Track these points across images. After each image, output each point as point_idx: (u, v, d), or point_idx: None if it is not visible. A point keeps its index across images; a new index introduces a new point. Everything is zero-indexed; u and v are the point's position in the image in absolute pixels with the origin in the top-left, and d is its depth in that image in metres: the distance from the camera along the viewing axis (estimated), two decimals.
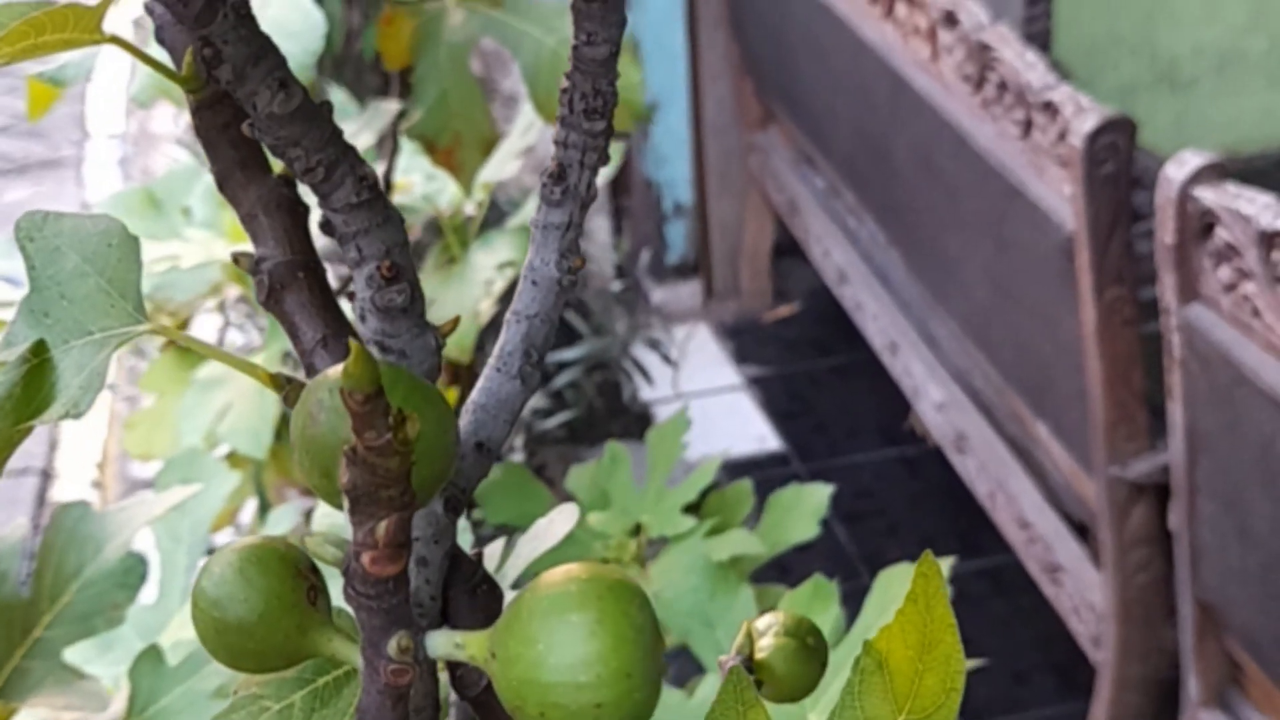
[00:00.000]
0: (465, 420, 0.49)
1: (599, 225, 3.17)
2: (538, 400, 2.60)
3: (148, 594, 1.49)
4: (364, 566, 0.38)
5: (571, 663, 0.39)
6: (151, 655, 0.99)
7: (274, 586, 0.43)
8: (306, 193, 0.50)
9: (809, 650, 0.68)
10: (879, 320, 2.82)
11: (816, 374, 3.31)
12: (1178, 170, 1.79)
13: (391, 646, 0.39)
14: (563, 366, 2.64)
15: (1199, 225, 1.79)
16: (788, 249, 3.35)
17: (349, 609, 0.45)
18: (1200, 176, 1.77)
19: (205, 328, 2.07)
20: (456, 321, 0.47)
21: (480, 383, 0.49)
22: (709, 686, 1.38)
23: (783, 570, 2.48)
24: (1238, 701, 2.04)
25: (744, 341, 3.39)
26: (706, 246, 3.36)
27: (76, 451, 3.11)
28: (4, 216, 3.98)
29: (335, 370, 0.42)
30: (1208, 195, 1.77)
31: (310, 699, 0.46)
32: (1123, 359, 2.08)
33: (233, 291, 2.04)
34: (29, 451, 3.25)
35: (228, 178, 0.50)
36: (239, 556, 0.43)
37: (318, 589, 0.44)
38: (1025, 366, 2.36)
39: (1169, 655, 2.20)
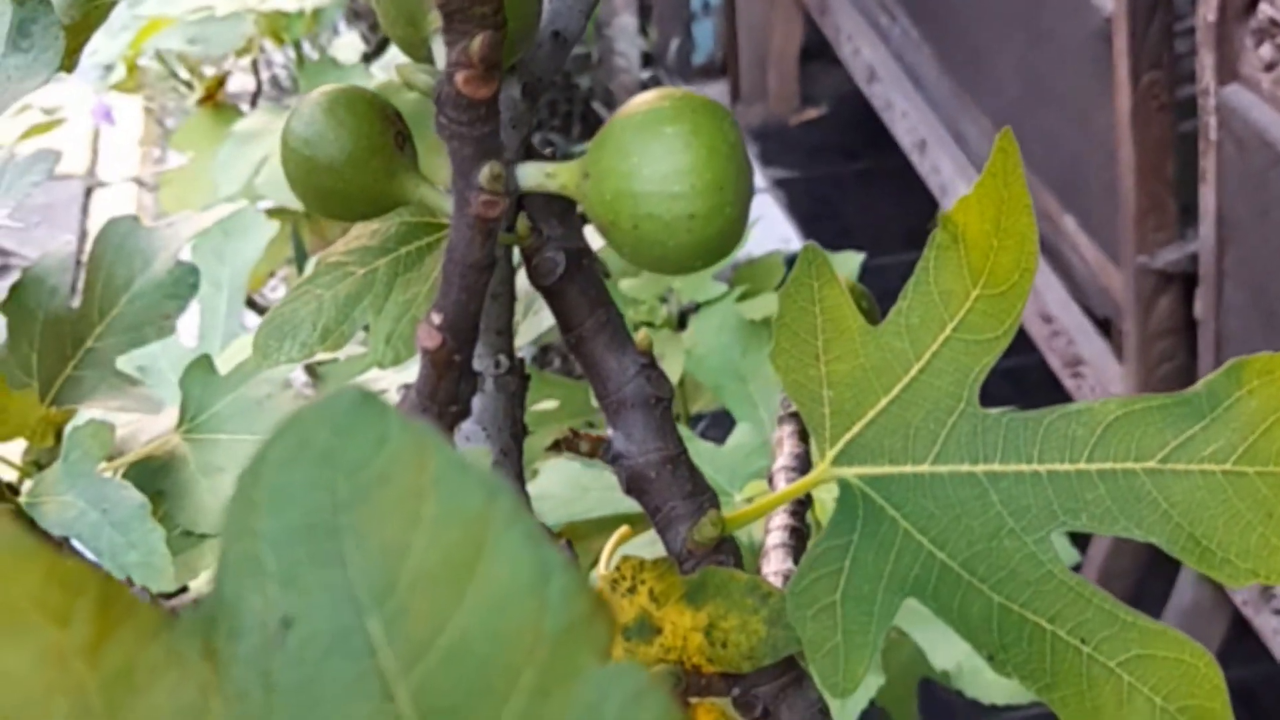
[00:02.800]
0: (544, 10, 0.49)
1: (626, 21, 3.13)
2: None
3: (190, 339, 1.50)
4: (457, 87, 0.38)
5: (665, 173, 0.40)
6: (202, 364, 1.00)
7: (362, 127, 0.43)
8: None
9: (864, 313, 0.69)
10: (908, 118, 2.80)
11: (842, 177, 3.29)
12: None
13: (483, 175, 0.40)
14: None
15: (1242, 1, 1.77)
16: (816, 52, 3.31)
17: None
18: None
19: (240, 87, 2.06)
20: None
21: None
22: (741, 433, 1.39)
23: None
24: None
25: (770, 144, 3.37)
26: (734, 47, 3.32)
27: None
28: None
29: None
30: None
31: (394, 265, 0.47)
32: (1156, 146, 2.06)
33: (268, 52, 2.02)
34: (64, 242, 3.25)
35: None
36: (328, 98, 0.43)
37: (405, 136, 0.44)
38: (1056, 159, 2.35)
39: None
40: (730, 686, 0.49)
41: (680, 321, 1.76)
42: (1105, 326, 2.35)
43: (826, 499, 0.79)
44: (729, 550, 0.49)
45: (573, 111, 2.53)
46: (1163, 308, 2.19)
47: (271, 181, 1.51)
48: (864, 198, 3.23)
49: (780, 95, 3.38)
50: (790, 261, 2.07)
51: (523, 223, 0.47)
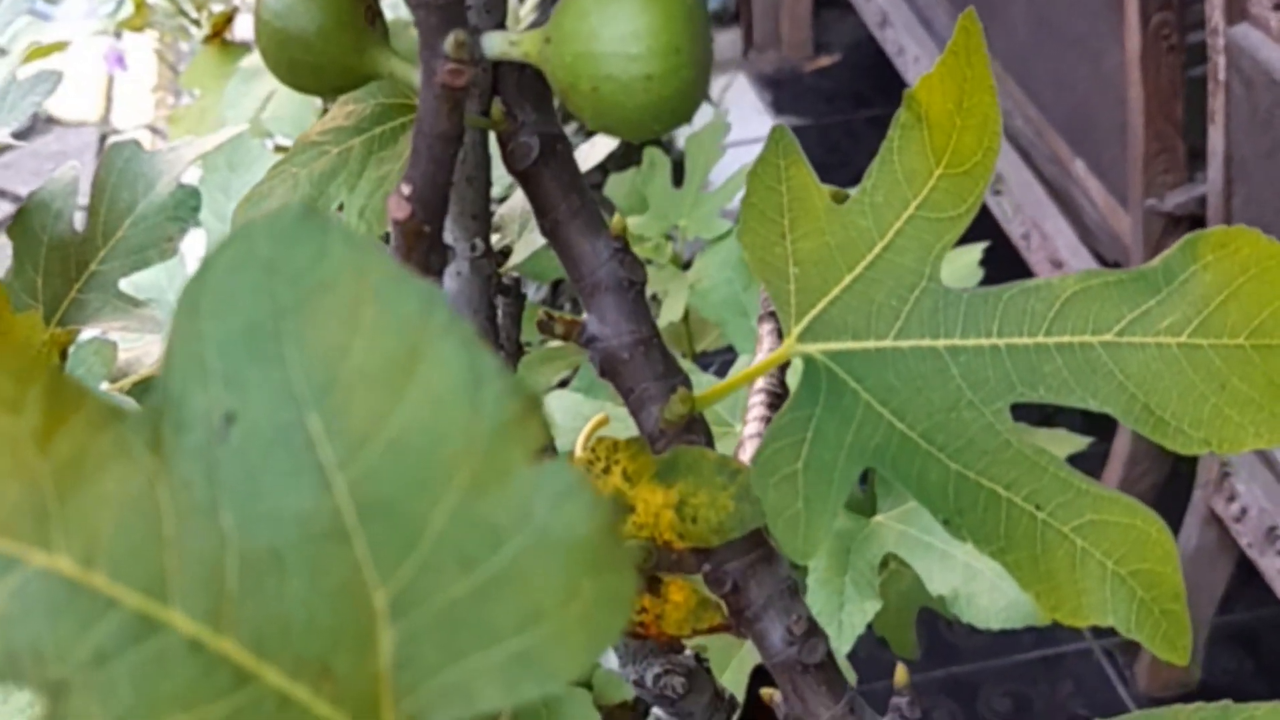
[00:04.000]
0: None
1: None
2: (577, 141, 2.60)
3: (193, 268, 1.52)
4: None
5: (623, 34, 0.41)
6: None
7: (333, 2, 0.44)
8: None
9: None
10: (920, 64, 2.79)
11: (854, 125, 3.29)
12: None
13: (448, 44, 0.41)
14: None
15: None
16: None
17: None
18: None
19: (247, 28, 2.06)
20: None
21: None
22: (743, 365, 1.40)
23: None
24: None
25: (782, 92, 3.36)
26: None
27: None
28: None
29: None
30: None
31: (368, 144, 0.48)
32: (1165, 87, 2.06)
33: None
34: (69, 166, 3.27)
35: None
36: None
37: (376, 12, 0.45)
38: (1066, 102, 2.34)
39: None
40: (701, 563, 0.50)
41: (686, 263, 1.77)
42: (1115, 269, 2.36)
43: None
44: (699, 430, 0.50)
45: (502, 28, 2.51)
46: None
47: (278, 117, 1.52)
48: (877, 145, 3.22)
49: (793, 43, 3.37)
50: None
51: (497, 107, 0.48)
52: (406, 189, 0.42)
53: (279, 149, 1.63)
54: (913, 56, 2.79)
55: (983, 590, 1.20)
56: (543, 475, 0.25)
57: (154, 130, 3.25)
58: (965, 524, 0.46)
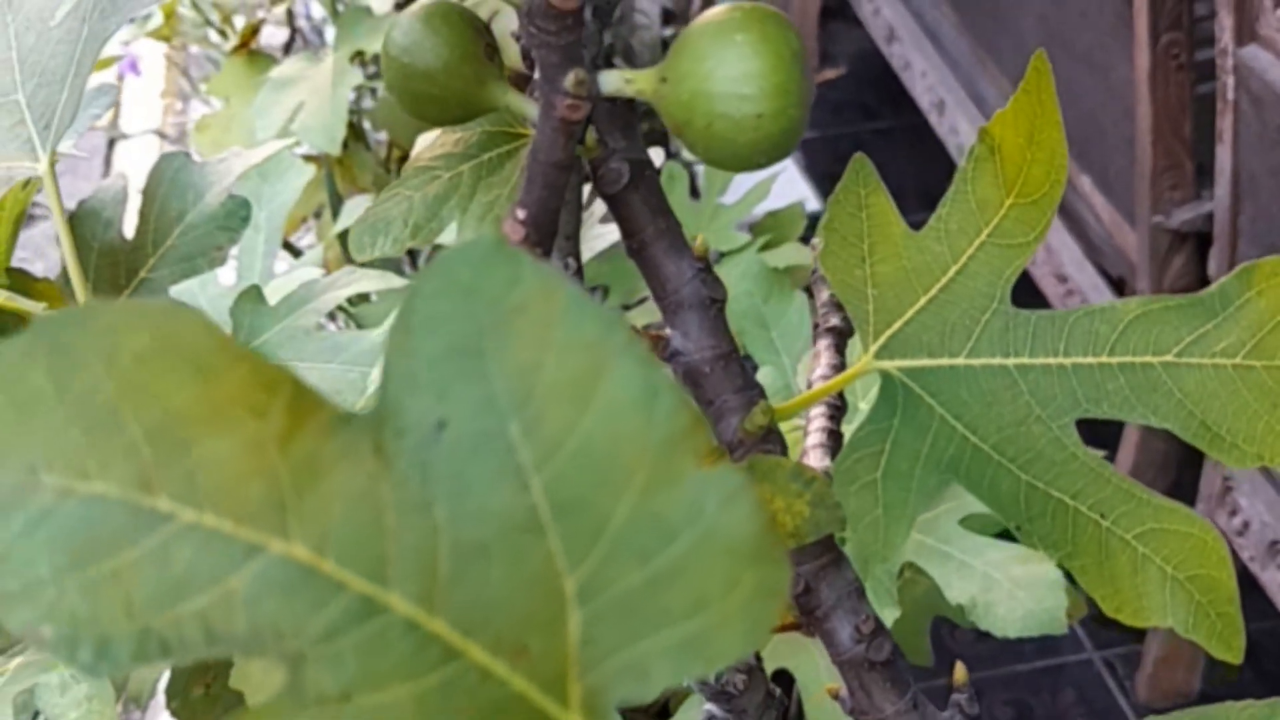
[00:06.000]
0: None
1: None
2: None
3: (227, 278, 1.55)
4: (548, 0, 0.43)
5: (736, 75, 0.44)
6: (252, 294, 1.05)
7: (456, 38, 0.48)
8: None
9: None
10: (927, 78, 2.83)
11: (861, 137, 3.32)
12: None
13: (568, 80, 0.44)
14: None
15: None
16: (836, 10, 3.35)
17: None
18: None
19: (272, 39, 2.09)
20: None
21: None
22: (763, 376, 1.44)
23: None
24: None
25: None
26: None
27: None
28: None
29: None
30: None
31: (477, 169, 0.51)
32: (1174, 105, 2.10)
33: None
34: (117, 174, 3.30)
35: None
36: (425, 10, 0.48)
37: (494, 47, 0.49)
38: (1074, 118, 2.38)
39: None
40: None
41: None
42: (1119, 286, 2.39)
43: (863, 407, 0.84)
44: (775, 440, 0.53)
45: (596, 66, 2.55)
46: (1177, 267, 2.22)
47: (306, 127, 1.55)
48: (882, 158, 3.25)
49: None
50: (810, 217, 2.13)
51: (591, 135, 0.52)
52: (521, 213, 0.45)
53: (308, 159, 1.66)
54: (919, 71, 2.82)
55: (1000, 599, 1.24)
56: (712, 478, 0.29)
57: (162, 135, 3.28)
58: (1035, 530, 0.49)
